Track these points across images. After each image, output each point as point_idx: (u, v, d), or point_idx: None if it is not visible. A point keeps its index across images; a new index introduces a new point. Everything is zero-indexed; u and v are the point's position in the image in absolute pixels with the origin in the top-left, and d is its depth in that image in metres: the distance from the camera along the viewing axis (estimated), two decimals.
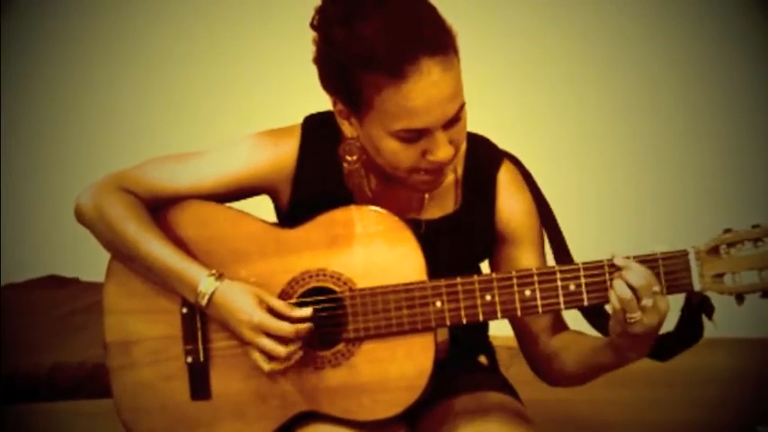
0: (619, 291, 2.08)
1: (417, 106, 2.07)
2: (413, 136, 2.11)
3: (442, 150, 2.13)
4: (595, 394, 2.92)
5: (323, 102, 2.25)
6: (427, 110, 2.08)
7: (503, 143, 2.41)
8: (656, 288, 2.08)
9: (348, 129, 2.23)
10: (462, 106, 2.13)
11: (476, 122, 2.34)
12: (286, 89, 4.10)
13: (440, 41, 2.08)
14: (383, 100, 2.08)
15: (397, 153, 2.14)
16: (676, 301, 2.15)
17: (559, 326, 2.35)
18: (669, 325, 2.17)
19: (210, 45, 4.86)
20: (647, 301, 2.07)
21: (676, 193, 4.42)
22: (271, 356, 2.20)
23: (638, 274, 2.07)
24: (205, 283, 2.24)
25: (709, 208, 4.24)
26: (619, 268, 2.10)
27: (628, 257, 2.10)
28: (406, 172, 2.17)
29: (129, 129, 4.93)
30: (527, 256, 2.34)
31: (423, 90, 2.06)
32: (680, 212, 4.33)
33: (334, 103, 2.21)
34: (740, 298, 2.08)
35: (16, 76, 5.00)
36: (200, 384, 2.32)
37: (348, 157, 2.29)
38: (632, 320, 2.08)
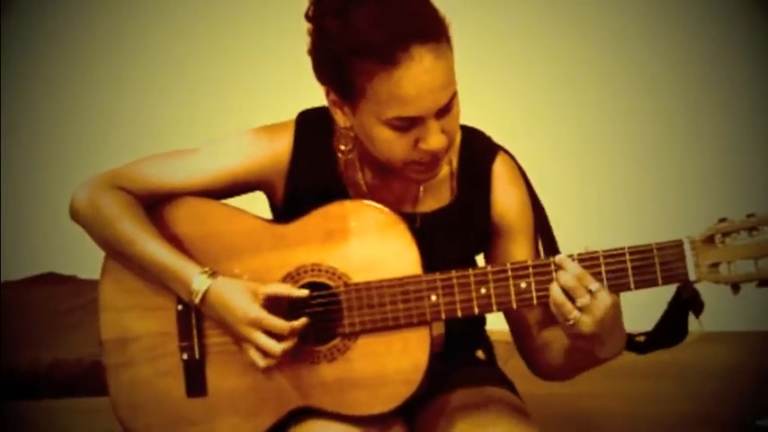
0: (552, 295, 2.09)
1: (409, 94, 2.07)
2: (405, 124, 2.11)
3: (435, 138, 2.12)
4: (595, 388, 2.93)
5: (322, 101, 2.25)
6: (419, 97, 2.07)
7: (503, 143, 2.40)
8: (593, 286, 2.07)
9: (341, 118, 2.23)
10: (454, 95, 2.13)
11: (477, 122, 2.35)
12: (286, 89, 4.09)
13: (432, 29, 2.09)
14: (375, 88, 2.08)
15: (389, 142, 2.14)
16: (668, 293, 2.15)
17: (551, 319, 2.34)
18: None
19: (210, 45, 4.86)
20: (581, 301, 2.07)
21: (677, 192, 4.42)
22: (266, 353, 2.20)
23: (569, 274, 2.08)
24: (198, 280, 2.23)
25: (710, 208, 4.22)
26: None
27: (571, 255, 2.11)
28: (401, 162, 2.17)
29: (129, 129, 4.93)
30: (521, 248, 2.34)
31: (414, 77, 2.06)
32: (680, 212, 4.32)
33: (327, 93, 2.20)
34: (735, 287, 2.07)
35: (16, 76, 5.00)
36: (195, 381, 2.32)
37: (342, 147, 2.30)
38: (570, 322, 2.08)
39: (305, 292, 2.22)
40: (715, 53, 4.39)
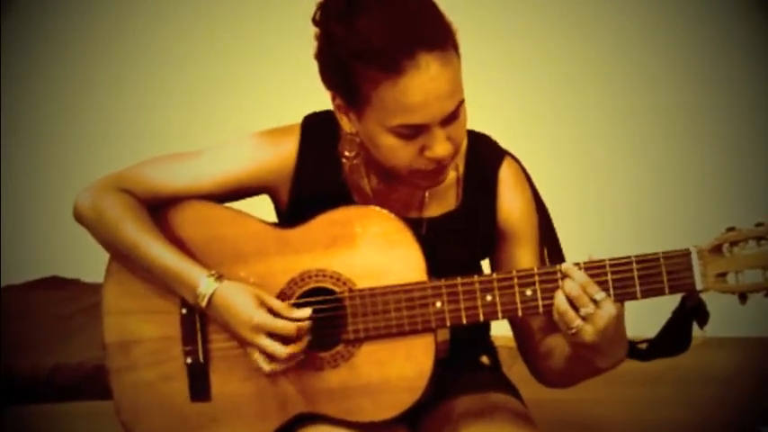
0: (555, 303, 2.08)
1: (414, 101, 2.06)
2: (411, 132, 2.10)
3: (440, 146, 2.11)
4: (597, 394, 2.91)
5: (324, 101, 2.25)
6: (425, 105, 2.06)
7: (503, 143, 2.40)
8: (598, 296, 2.06)
9: (347, 124, 2.22)
10: (461, 103, 2.12)
11: (476, 123, 2.34)
12: (286, 89, 4.10)
13: (438, 37, 2.07)
14: (380, 95, 2.07)
15: (395, 149, 2.13)
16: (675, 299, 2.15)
17: (555, 325, 2.33)
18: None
19: (210, 45, 4.85)
20: (584, 310, 2.06)
21: (677, 192, 4.41)
22: (271, 357, 2.19)
23: (573, 283, 2.08)
24: (205, 283, 2.23)
25: (711, 208, 4.24)
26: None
27: (577, 263, 2.10)
28: (406, 170, 2.16)
29: (129, 129, 4.92)
30: (525, 254, 2.33)
31: (420, 85, 2.05)
32: (681, 212, 4.32)
33: (333, 98, 2.19)
34: (743, 297, 2.05)
35: (16, 76, 4.99)
36: (199, 386, 2.32)
37: (347, 153, 2.29)
38: (573, 331, 2.07)
39: (307, 313, 2.21)
40: (715, 53, 4.38)
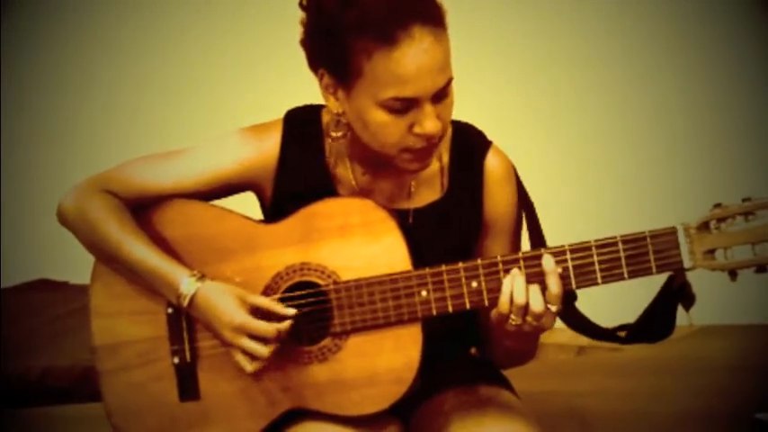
0: (515, 291, 2.11)
1: (408, 73, 2.07)
2: (402, 106, 2.10)
3: (430, 122, 2.11)
4: (593, 385, 2.90)
5: (320, 100, 2.24)
6: (417, 77, 2.07)
7: (500, 135, 2.37)
8: (554, 308, 2.11)
9: (334, 104, 2.21)
10: (450, 81, 2.13)
11: (476, 122, 2.34)
12: (286, 88, 4.09)
13: (431, 12, 2.10)
14: (373, 66, 2.08)
15: (384, 125, 2.12)
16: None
17: None
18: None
19: (210, 45, 4.87)
20: (515, 320, 2.12)
21: (675, 188, 4.42)
22: (253, 357, 2.18)
23: (519, 289, 2.11)
24: (186, 284, 2.22)
25: (707, 202, 4.22)
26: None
27: (562, 246, 2.11)
28: (394, 148, 2.15)
29: (128, 130, 4.96)
30: (500, 246, 2.32)
31: (414, 56, 2.06)
32: (679, 208, 4.30)
33: (321, 78, 2.19)
34: (733, 274, 2.04)
35: (16, 76, 5.01)
36: (188, 385, 2.30)
37: (333, 133, 2.29)
38: (513, 323, 2.12)
39: (292, 312, 2.20)
40: (708, 43, 4.42)
